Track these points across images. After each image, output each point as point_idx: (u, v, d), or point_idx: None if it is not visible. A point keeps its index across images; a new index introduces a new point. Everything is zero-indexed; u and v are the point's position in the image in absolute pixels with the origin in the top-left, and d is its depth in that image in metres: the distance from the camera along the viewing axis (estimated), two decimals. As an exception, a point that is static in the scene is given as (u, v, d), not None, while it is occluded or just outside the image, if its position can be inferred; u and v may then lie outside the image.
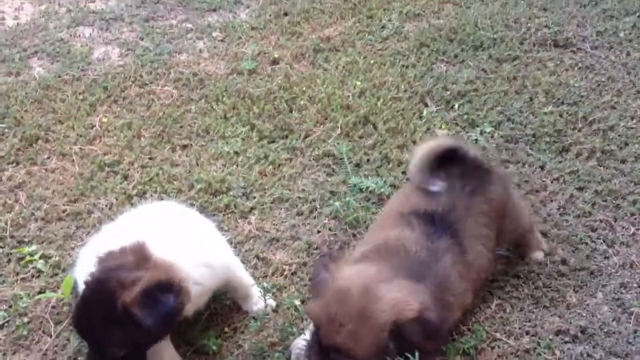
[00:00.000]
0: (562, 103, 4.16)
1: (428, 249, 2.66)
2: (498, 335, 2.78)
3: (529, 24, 4.90)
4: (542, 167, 3.70)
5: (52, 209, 3.41)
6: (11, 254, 3.19)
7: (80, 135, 3.88)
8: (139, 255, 2.46)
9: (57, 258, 3.15)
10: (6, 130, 3.90)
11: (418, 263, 2.61)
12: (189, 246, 2.62)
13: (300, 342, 2.68)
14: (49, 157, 3.75)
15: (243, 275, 2.94)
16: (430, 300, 2.48)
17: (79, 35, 4.81)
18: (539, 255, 3.17)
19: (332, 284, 2.48)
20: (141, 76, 4.38)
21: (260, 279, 3.07)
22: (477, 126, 3.99)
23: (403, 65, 4.51)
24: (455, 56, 4.60)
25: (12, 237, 3.28)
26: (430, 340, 2.41)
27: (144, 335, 2.39)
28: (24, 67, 4.45)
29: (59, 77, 4.34)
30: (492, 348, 2.73)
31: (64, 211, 3.41)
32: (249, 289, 2.93)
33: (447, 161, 2.88)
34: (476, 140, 3.87)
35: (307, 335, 2.62)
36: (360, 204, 3.45)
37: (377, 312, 2.37)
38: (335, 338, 2.38)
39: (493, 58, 4.57)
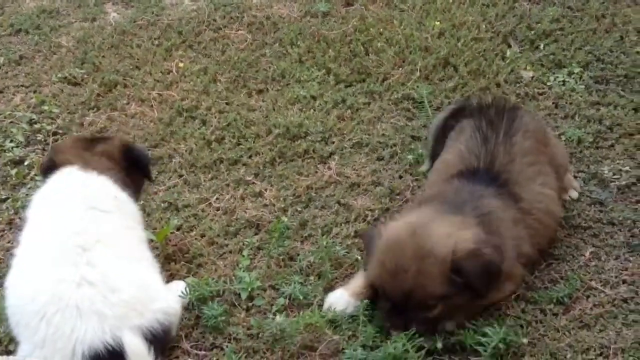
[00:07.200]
0: (656, 42, 3.93)
1: (470, 191, 2.60)
2: (593, 283, 2.67)
3: (618, -42, 4.59)
4: (635, 110, 3.49)
5: (133, 154, 3.44)
6: (96, 198, 3.23)
7: (158, 81, 3.88)
8: None
9: (141, 202, 3.17)
10: (85, 76, 3.93)
11: (457, 201, 2.56)
12: None
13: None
14: (128, 103, 3.77)
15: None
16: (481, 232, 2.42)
17: (151, -20, 4.77)
18: (574, 193, 3.04)
19: (379, 241, 2.46)
20: (215, 20, 4.33)
21: (343, 224, 3.03)
22: (565, 67, 3.80)
23: (483, 4, 4.31)
24: (539, -7, 4.38)
25: (96, 181, 3.32)
26: (491, 274, 2.36)
27: None
28: (99, 13, 4.46)
29: (134, 22, 4.34)
30: (587, 297, 2.62)
31: (145, 156, 3.43)
32: None
33: (470, 115, 2.91)
34: (564, 81, 3.70)
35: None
36: (442, 148, 3.35)
37: (434, 246, 2.34)
38: (404, 286, 2.35)
39: (580, -5, 4.32)
